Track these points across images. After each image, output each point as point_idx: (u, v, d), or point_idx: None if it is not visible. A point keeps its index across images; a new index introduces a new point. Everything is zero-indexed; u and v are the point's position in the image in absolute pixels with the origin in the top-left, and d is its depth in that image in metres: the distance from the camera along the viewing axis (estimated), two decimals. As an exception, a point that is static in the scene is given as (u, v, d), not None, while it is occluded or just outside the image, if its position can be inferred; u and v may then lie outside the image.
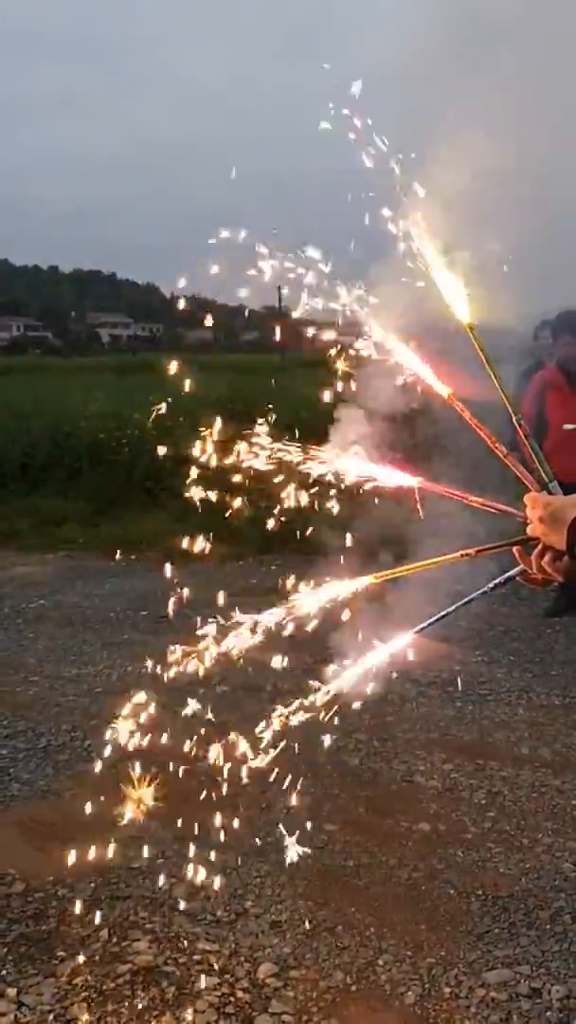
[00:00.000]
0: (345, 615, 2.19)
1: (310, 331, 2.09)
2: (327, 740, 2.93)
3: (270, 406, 2.20)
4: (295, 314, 2.04)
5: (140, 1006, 2.98)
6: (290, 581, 2.13)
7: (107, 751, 4.44)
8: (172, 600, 3.56)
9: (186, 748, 3.98)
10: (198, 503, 2.45)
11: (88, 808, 4.17)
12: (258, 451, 2.12)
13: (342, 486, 2.05)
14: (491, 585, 1.99)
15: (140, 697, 2.97)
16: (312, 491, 2.10)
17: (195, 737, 4.11)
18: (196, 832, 3.91)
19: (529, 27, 2.31)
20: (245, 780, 4.11)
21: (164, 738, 3.99)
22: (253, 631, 2.20)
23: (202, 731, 4.46)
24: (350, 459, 1.99)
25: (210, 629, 2.33)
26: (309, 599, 2.05)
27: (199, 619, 2.34)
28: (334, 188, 1.99)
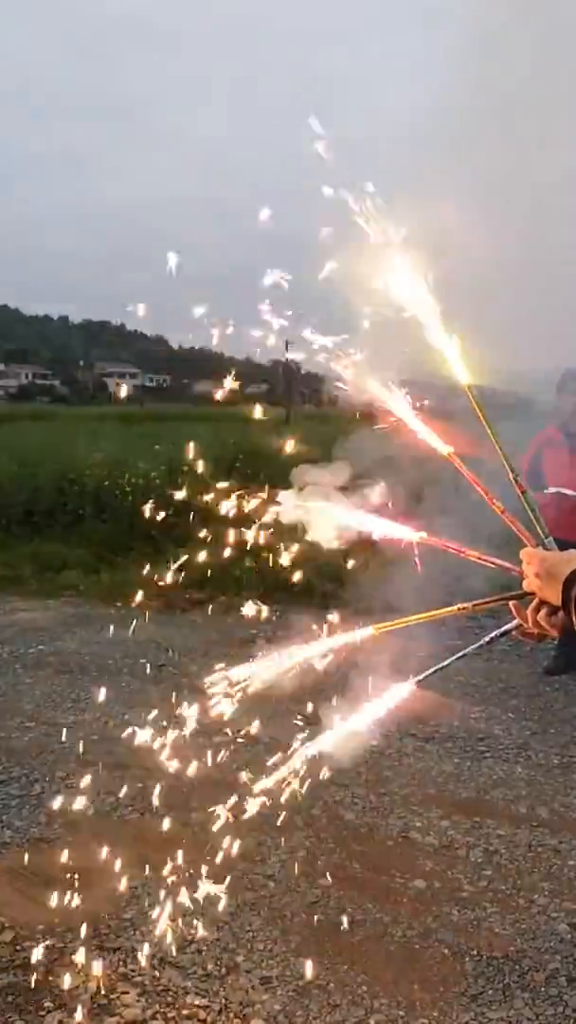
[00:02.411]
0: (345, 666, 2.21)
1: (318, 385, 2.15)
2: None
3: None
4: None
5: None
6: (290, 632, 2.15)
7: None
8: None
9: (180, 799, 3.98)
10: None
11: (80, 858, 4.16)
12: (263, 505, 2.16)
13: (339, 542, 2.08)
14: (488, 638, 2.01)
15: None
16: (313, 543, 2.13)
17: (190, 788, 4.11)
18: (188, 884, 3.88)
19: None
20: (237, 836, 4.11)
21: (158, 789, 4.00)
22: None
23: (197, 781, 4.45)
24: (353, 513, 2.02)
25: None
26: (308, 650, 2.06)
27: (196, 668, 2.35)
28: (333, 247, 2.05)
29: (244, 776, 2.96)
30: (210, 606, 8.32)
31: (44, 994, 3.25)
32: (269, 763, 3.06)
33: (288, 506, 2.04)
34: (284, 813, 4.50)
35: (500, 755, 5.36)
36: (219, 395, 2.39)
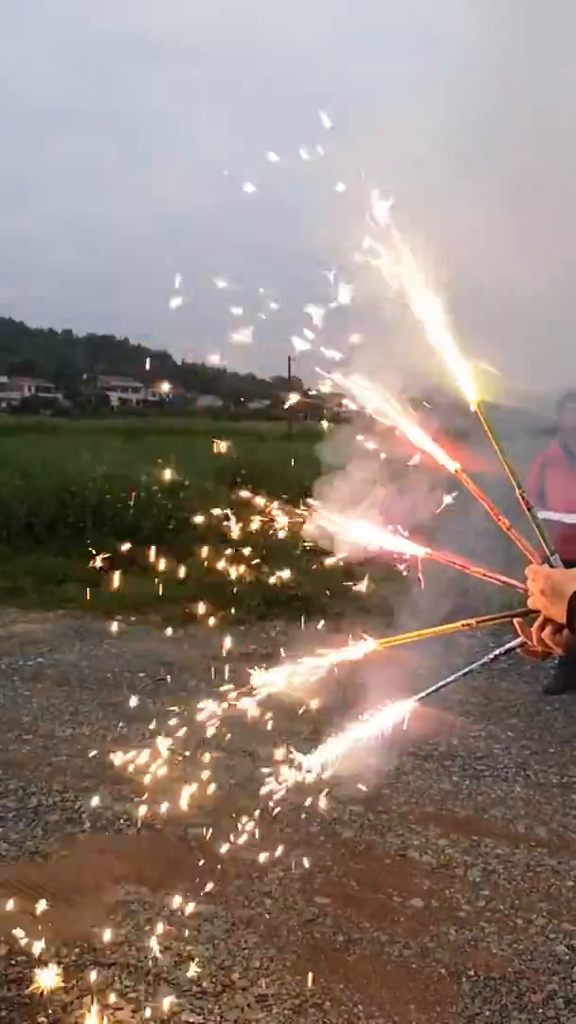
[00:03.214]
0: (345, 681, 2.21)
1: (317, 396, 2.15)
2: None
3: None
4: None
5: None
6: (291, 646, 2.15)
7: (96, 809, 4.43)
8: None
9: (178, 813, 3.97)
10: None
11: (76, 872, 4.15)
12: (264, 517, 2.16)
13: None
14: (492, 656, 2.00)
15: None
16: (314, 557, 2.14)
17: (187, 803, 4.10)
18: (184, 900, 3.86)
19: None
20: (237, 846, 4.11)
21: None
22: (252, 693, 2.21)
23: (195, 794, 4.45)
24: (358, 525, 2.03)
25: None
26: (310, 664, 2.06)
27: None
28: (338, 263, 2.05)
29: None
30: (210, 620, 8.31)
31: (38, 1009, 3.22)
32: (266, 780, 3.07)
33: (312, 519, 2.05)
34: (281, 830, 4.50)
35: (499, 774, 5.34)
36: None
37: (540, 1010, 3.26)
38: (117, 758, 4.96)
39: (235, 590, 8.70)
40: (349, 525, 2.01)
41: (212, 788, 4.89)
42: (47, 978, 3.36)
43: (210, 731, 3.18)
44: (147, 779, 4.78)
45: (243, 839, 4.31)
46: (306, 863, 4.19)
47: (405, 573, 2.06)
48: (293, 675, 2.09)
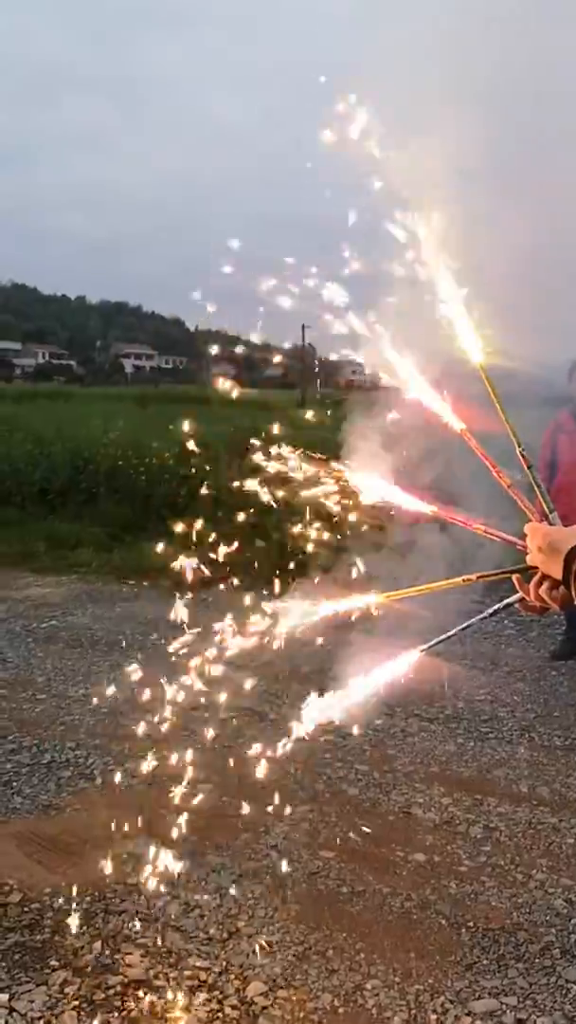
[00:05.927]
0: (349, 635, 2.27)
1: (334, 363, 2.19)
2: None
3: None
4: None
5: (129, 1018, 3.02)
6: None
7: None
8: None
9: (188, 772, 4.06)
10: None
11: (87, 825, 4.25)
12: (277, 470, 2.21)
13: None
14: (492, 610, 2.06)
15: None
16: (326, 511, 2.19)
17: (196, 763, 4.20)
18: (193, 851, 3.96)
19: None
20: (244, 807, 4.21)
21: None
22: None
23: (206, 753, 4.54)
24: (369, 479, 2.07)
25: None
26: (314, 609, 2.12)
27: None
28: (348, 228, 2.07)
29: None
30: (220, 585, 8.38)
31: (51, 953, 3.34)
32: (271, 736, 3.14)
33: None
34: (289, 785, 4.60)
35: (503, 736, 5.42)
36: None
37: (537, 959, 3.35)
38: (127, 717, 5.07)
39: (247, 554, 8.79)
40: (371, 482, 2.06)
41: (221, 746, 5.00)
42: (59, 924, 3.48)
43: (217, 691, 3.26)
44: (156, 737, 4.87)
45: (251, 795, 4.42)
46: (312, 818, 4.29)
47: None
48: (306, 614, 2.15)
